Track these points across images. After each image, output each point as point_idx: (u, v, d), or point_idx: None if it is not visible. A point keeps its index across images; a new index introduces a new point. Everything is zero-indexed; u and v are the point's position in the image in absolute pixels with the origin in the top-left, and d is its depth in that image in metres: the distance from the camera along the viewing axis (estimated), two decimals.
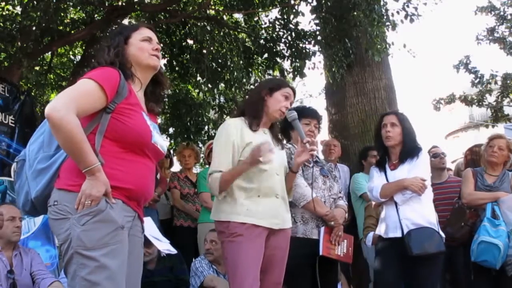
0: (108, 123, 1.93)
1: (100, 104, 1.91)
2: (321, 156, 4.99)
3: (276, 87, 2.80)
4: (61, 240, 1.87)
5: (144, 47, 2.12)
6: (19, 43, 5.37)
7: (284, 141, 2.95)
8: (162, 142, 2.11)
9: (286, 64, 6.97)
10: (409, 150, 3.37)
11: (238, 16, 7.54)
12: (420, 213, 3.26)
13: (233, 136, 2.64)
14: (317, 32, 6.39)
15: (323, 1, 6.06)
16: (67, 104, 1.81)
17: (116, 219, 1.88)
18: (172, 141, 8.22)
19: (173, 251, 3.79)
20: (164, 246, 3.71)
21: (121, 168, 1.94)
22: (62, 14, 6.30)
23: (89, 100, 1.88)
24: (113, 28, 2.29)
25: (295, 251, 2.79)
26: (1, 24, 5.79)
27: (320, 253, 3.15)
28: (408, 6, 6.11)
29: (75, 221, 1.83)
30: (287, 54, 6.66)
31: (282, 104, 2.76)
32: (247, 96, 3.03)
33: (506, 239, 3.46)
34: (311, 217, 3.22)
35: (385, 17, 5.99)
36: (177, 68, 7.28)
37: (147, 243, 3.60)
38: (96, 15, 6.75)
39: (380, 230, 3.41)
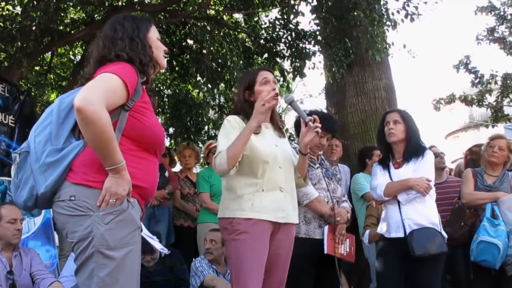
0: (126, 121, 1.88)
1: (122, 101, 1.86)
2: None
3: (251, 82, 2.69)
4: (77, 238, 1.79)
5: (160, 46, 2.10)
6: (19, 43, 5.37)
7: (286, 138, 2.90)
8: None
9: (286, 64, 6.99)
10: (414, 148, 3.35)
11: (238, 16, 7.55)
12: (422, 213, 3.24)
13: (237, 130, 2.58)
14: (317, 32, 6.40)
15: (323, 1, 6.06)
16: (99, 98, 1.73)
17: (136, 219, 1.86)
18: (172, 141, 8.22)
19: (165, 250, 3.79)
20: (159, 245, 3.72)
21: (140, 167, 1.91)
22: (62, 14, 6.32)
23: (115, 96, 1.82)
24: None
25: (297, 251, 2.77)
26: (1, 24, 5.79)
27: (325, 252, 3.14)
28: (408, 5, 6.11)
29: (99, 219, 1.76)
30: (287, 54, 6.66)
31: (267, 92, 2.63)
32: (233, 104, 2.92)
33: (505, 239, 3.46)
34: (313, 217, 3.22)
35: (385, 16, 5.99)
36: (177, 68, 7.28)
37: (151, 250, 3.62)
38: (96, 15, 6.77)
39: (382, 229, 3.39)
